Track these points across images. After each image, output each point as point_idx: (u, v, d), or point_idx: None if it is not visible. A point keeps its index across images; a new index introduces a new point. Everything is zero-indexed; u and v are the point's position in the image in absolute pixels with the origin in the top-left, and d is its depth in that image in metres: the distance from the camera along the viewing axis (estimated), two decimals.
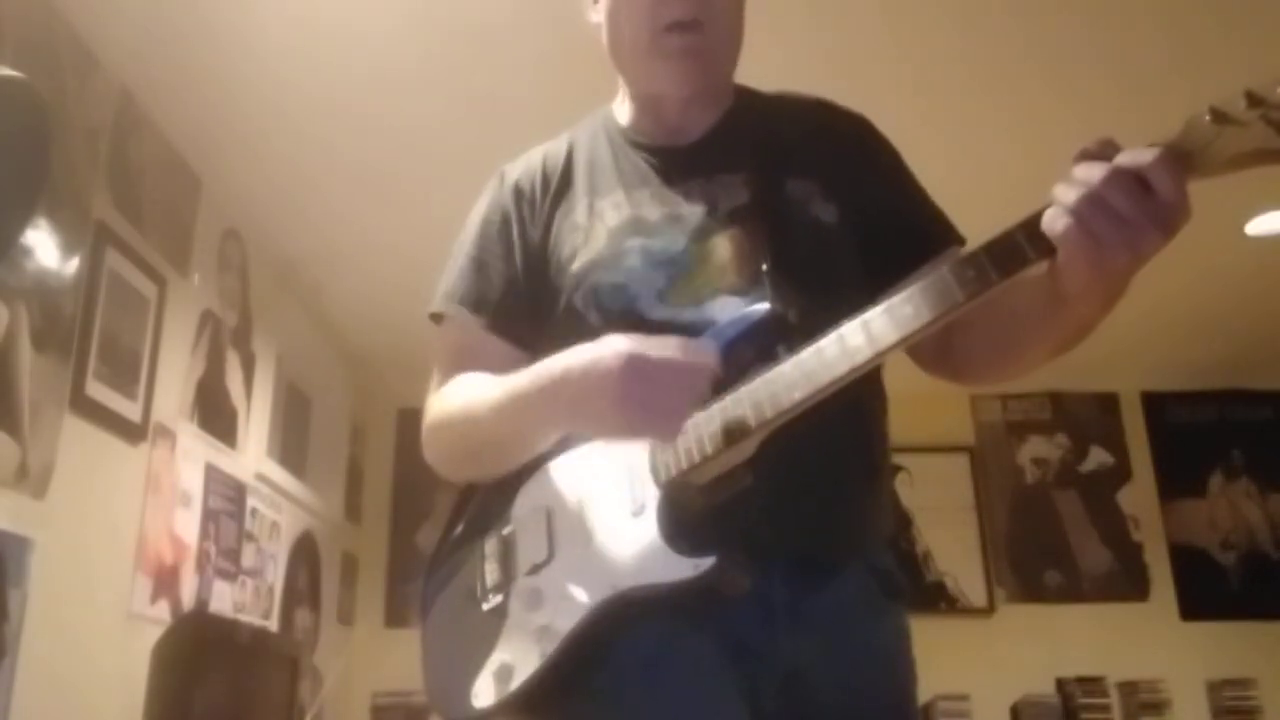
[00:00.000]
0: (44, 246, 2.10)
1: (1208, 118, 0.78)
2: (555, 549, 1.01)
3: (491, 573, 1.05)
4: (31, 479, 2.02)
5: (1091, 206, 0.78)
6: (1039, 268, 0.83)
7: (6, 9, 2.00)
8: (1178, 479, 4.60)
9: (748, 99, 1.23)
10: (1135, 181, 0.78)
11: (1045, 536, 4.53)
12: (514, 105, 2.48)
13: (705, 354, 0.92)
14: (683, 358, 0.91)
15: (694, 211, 1.11)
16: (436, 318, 1.21)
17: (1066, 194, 0.80)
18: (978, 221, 1.04)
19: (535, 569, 1.01)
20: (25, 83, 1.89)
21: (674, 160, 1.16)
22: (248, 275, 3.20)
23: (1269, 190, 3.11)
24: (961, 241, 1.14)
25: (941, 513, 4.49)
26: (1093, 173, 0.79)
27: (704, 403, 0.93)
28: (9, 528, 1.94)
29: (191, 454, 2.75)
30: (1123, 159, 0.79)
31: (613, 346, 0.92)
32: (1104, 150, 0.81)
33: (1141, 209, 0.78)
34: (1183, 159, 0.78)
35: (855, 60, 2.45)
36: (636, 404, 0.89)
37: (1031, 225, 0.82)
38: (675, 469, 0.95)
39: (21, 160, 1.94)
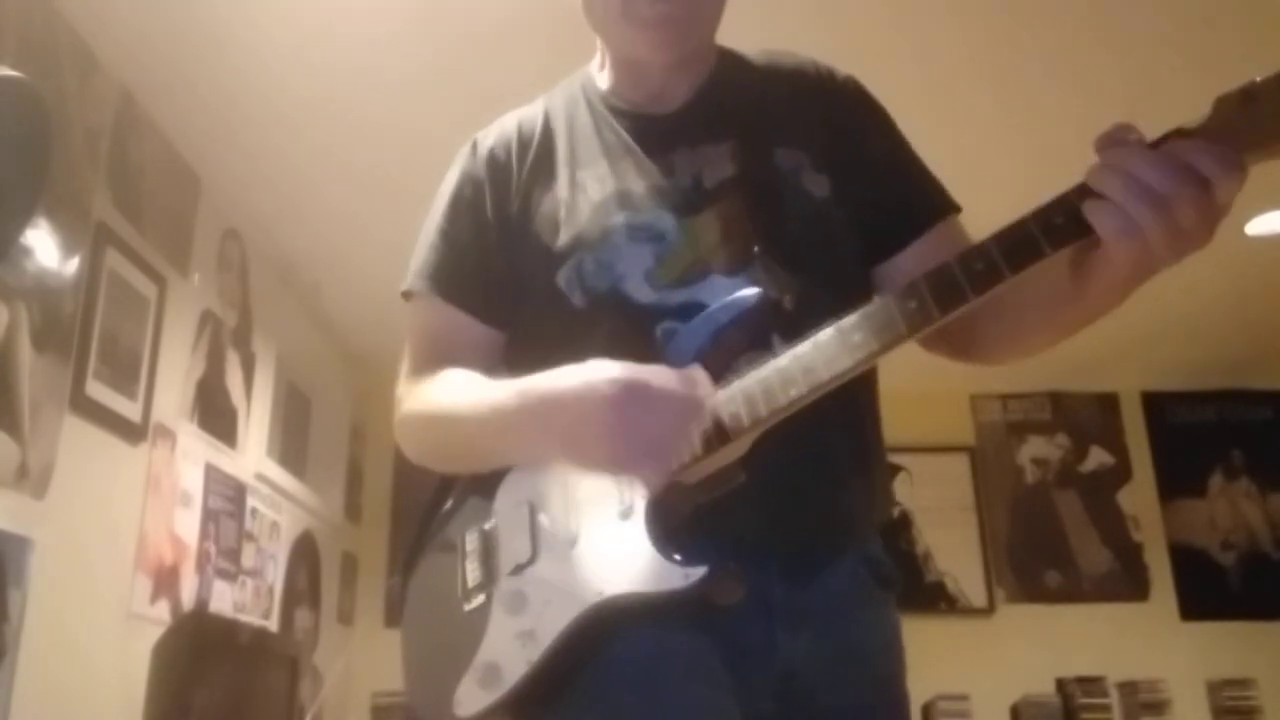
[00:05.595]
0: (44, 246, 2.09)
1: (1238, 98, 0.74)
2: (539, 549, 0.96)
3: (472, 572, 1.00)
4: (31, 479, 2.01)
5: (1157, 215, 0.73)
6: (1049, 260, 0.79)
7: (6, 9, 1.99)
8: (1178, 479, 4.61)
9: (731, 62, 1.16)
10: (1202, 187, 0.73)
11: (1045, 536, 4.53)
12: (516, 106, 2.48)
13: (699, 389, 0.87)
14: (678, 391, 0.86)
15: (680, 185, 1.04)
16: (407, 296, 1.14)
17: (1126, 196, 0.74)
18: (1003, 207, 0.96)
19: (518, 569, 0.96)
20: (25, 83, 1.88)
21: (657, 129, 1.09)
22: (248, 275, 3.20)
23: (1269, 190, 3.09)
24: (958, 209, 1.09)
25: (941, 513, 4.49)
26: (1165, 181, 0.73)
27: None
28: (9, 528, 1.93)
29: (191, 454, 2.74)
30: (1190, 159, 0.73)
31: (606, 372, 0.87)
32: (1125, 135, 0.77)
33: (1205, 214, 0.73)
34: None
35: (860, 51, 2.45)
36: (625, 435, 0.85)
37: (1044, 217, 0.78)
38: None
39: (21, 160, 1.94)
